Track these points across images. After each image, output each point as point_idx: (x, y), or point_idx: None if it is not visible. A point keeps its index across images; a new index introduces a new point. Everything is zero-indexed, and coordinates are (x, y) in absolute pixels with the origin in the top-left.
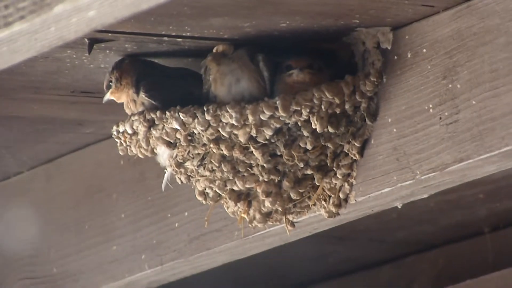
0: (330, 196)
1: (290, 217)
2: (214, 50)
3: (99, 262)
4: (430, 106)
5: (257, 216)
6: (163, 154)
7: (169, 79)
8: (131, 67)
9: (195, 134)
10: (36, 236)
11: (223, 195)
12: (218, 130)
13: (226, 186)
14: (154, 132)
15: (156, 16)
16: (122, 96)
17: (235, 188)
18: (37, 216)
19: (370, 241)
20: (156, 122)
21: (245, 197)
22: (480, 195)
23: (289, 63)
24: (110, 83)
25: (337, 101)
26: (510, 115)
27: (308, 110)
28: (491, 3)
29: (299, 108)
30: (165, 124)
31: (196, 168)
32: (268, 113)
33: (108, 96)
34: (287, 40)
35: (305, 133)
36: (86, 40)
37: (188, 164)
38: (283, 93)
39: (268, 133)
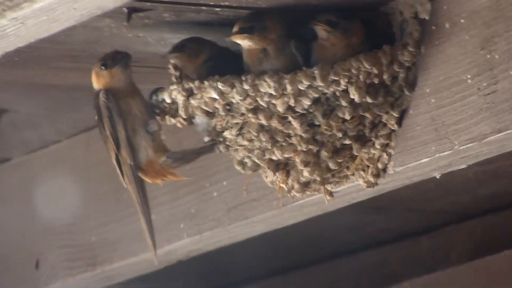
0: (368, 166)
1: (328, 187)
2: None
3: (137, 231)
4: (468, 76)
5: (296, 185)
6: (201, 124)
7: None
8: (207, 47)
9: (234, 103)
10: (75, 204)
11: (261, 164)
12: (257, 100)
13: (264, 155)
14: (192, 101)
15: None
16: (188, 64)
17: (274, 157)
18: (76, 184)
19: (408, 211)
20: (195, 92)
21: (283, 167)
22: None
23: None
24: (181, 46)
25: (375, 71)
26: None
27: (346, 80)
28: None
29: (337, 78)
30: (203, 94)
31: (234, 137)
32: (306, 82)
33: (173, 55)
34: (325, 9)
35: (344, 103)
36: (124, 9)
37: (226, 134)
38: (316, 56)
39: (306, 102)
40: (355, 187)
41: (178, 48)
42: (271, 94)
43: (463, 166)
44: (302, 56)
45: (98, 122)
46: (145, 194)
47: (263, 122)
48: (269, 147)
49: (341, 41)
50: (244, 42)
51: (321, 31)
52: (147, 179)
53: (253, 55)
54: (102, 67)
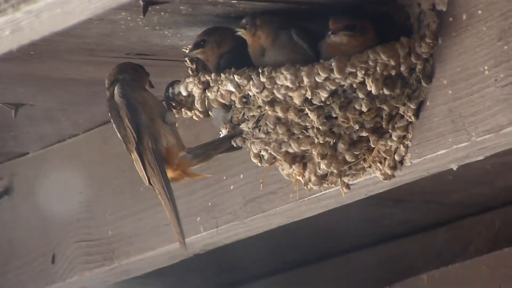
0: (385, 158)
1: (345, 179)
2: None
3: (154, 225)
4: (486, 68)
5: (313, 178)
6: (218, 116)
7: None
8: (229, 39)
9: (250, 96)
10: (91, 198)
11: (278, 157)
12: (273, 92)
13: (281, 148)
14: (209, 94)
15: None
16: (209, 58)
17: (290, 150)
18: (93, 178)
19: (426, 203)
20: (211, 84)
21: (300, 159)
22: None
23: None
24: (202, 43)
25: (392, 63)
26: None
27: (363, 72)
28: None
29: (354, 70)
30: (220, 86)
31: (251, 130)
32: (323, 75)
33: (194, 52)
34: (342, 1)
35: (361, 95)
36: (140, 1)
37: (243, 126)
38: (326, 54)
39: (323, 95)
40: (372, 180)
41: (200, 45)
42: (288, 86)
43: (481, 158)
44: (308, 44)
45: (114, 118)
46: (169, 181)
47: (280, 114)
48: (286, 140)
49: (358, 41)
50: (200, 56)
51: (342, 37)
52: (168, 174)
53: (254, 49)
54: None
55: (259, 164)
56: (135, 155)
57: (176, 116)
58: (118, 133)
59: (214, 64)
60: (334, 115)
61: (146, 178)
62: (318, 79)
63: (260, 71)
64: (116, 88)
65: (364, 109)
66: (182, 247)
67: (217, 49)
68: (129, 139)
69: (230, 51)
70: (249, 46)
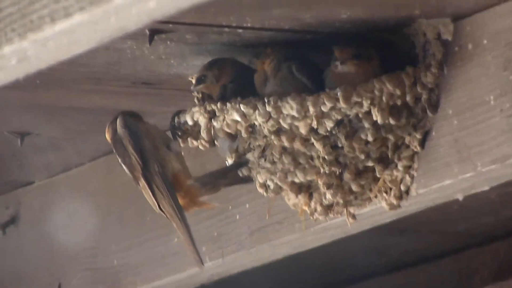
0: (391, 188)
1: (351, 209)
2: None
3: (160, 255)
4: (491, 97)
5: (318, 208)
6: (224, 146)
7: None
8: (230, 69)
9: (256, 125)
10: (97, 228)
11: (284, 187)
12: (279, 122)
13: (287, 178)
14: (215, 123)
15: (216, 7)
16: (212, 91)
17: (296, 180)
18: (99, 208)
19: (431, 233)
20: (217, 114)
21: (306, 189)
22: None
23: (335, 54)
24: (203, 78)
25: (398, 92)
26: None
27: (369, 102)
28: None
29: (360, 100)
30: (226, 116)
31: (257, 160)
32: (329, 104)
33: (197, 88)
34: (348, 30)
35: (366, 125)
36: (146, 31)
37: (249, 156)
38: (332, 83)
39: (329, 124)
40: (377, 210)
41: (201, 81)
42: (294, 116)
43: (486, 188)
44: (308, 78)
45: (118, 150)
46: (179, 202)
47: (286, 144)
48: (292, 170)
49: (364, 69)
50: (204, 90)
51: (350, 67)
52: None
53: (259, 76)
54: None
55: (265, 194)
56: (142, 182)
57: (182, 145)
58: (123, 165)
59: (217, 95)
60: (340, 145)
61: (156, 203)
62: (324, 109)
63: (266, 101)
64: (118, 120)
65: (370, 138)
66: (199, 265)
67: (217, 82)
68: (135, 167)
69: (233, 81)
70: (257, 72)
